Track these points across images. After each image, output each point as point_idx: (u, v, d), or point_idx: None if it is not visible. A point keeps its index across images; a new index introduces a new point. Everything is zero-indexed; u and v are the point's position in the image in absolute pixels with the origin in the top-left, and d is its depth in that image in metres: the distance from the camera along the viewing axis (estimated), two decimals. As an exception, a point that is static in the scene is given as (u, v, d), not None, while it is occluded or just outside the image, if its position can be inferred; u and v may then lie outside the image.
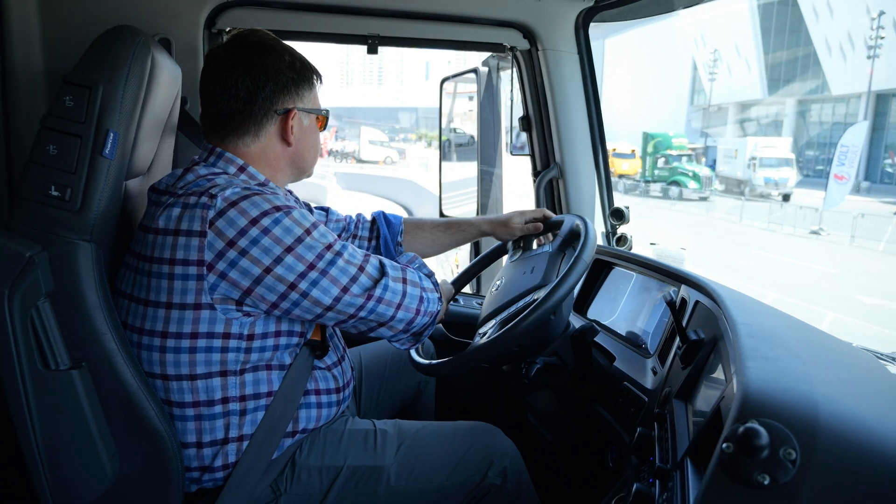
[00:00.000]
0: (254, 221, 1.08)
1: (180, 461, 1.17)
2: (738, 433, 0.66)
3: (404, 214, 1.71)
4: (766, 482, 0.64)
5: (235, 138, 1.24)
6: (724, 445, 0.68)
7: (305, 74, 1.28)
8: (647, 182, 28.04)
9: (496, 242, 1.73)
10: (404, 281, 1.23)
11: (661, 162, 27.90)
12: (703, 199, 24.72)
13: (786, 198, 23.33)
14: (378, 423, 1.36)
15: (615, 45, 37.84)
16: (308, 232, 1.12)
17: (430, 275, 1.34)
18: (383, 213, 1.70)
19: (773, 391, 0.74)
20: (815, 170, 31.91)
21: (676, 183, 25.97)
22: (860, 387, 0.89)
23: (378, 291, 1.18)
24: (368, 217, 1.70)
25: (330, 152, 42.90)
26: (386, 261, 1.23)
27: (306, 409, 1.26)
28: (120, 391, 1.11)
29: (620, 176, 29.83)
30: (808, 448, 0.66)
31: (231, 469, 1.19)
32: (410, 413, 1.77)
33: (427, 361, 1.39)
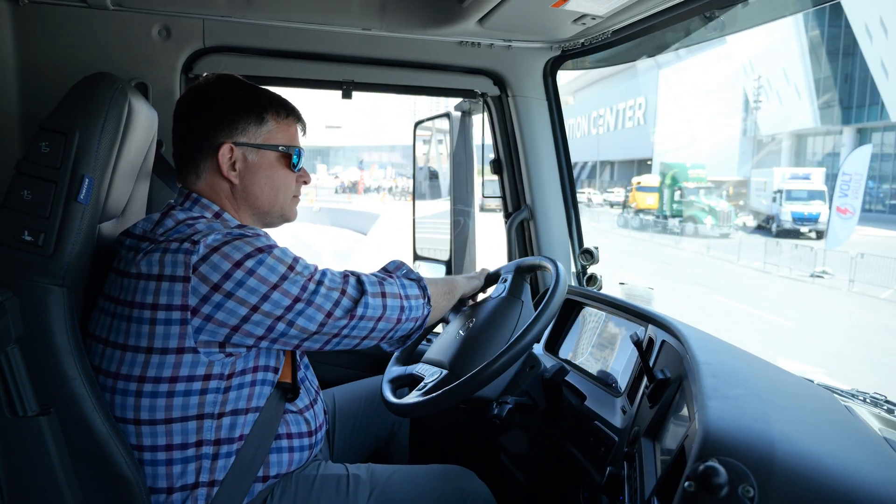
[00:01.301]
0: (238, 264, 1.10)
1: None
2: (698, 472, 0.69)
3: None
4: None
5: (184, 177, 1.28)
6: (687, 484, 0.70)
7: (253, 109, 1.26)
8: (665, 217, 26.10)
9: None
10: (383, 295, 1.27)
11: (677, 195, 25.96)
12: (724, 236, 22.58)
13: (819, 235, 20.79)
14: (351, 468, 1.35)
15: (670, 75, 36.70)
16: (291, 268, 1.16)
17: (418, 279, 1.38)
18: None
19: (733, 430, 0.77)
20: (886, 204, 28.66)
21: (693, 219, 24.26)
22: (817, 424, 0.93)
23: (360, 310, 1.22)
24: None
25: (366, 190, 42.92)
26: (364, 276, 1.28)
27: (277, 454, 1.25)
28: (89, 437, 1.09)
29: (639, 211, 27.90)
30: (765, 485, 0.68)
31: None
32: (385, 454, 1.76)
33: (400, 402, 1.40)
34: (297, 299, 1.15)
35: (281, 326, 1.15)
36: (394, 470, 1.38)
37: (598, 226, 27.81)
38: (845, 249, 14.37)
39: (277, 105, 1.30)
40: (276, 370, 1.25)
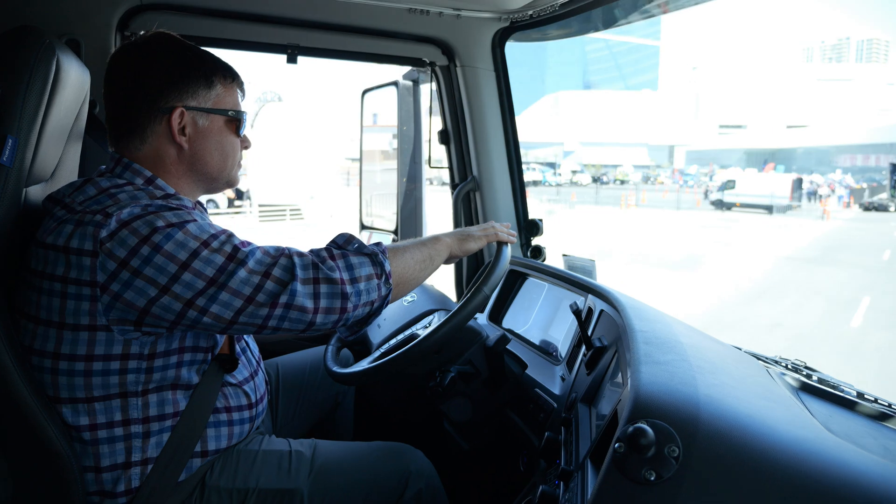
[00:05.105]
0: (145, 239, 1.02)
1: (81, 485, 1.11)
2: (627, 433, 0.72)
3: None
4: (652, 478, 0.70)
5: (126, 142, 1.19)
6: (617, 445, 0.73)
7: (202, 72, 1.21)
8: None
9: None
10: (316, 281, 1.10)
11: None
12: None
13: None
14: (294, 444, 1.33)
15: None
16: (206, 244, 1.05)
17: (372, 254, 1.18)
18: None
19: (661, 393, 0.80)
20: None
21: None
22: (740, 388, 0.98)
23: (285, 298, 1.07)
24: None
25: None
26: (300, 260, 1.11)
27: (216, 428, 1.21)
28: (15, 411, 1.05)
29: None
30: (689, 445, 0.72)
31: (134, 494, 1.13)
32: (329, 424, 1.76)
33: (344, 371, 1.40)
34: (211, 281, 1.03)
35: (192, 314, 1.04)
36: (338, 446, 1.36)
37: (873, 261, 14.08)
38: None
39: (224, 69, 1.25)
40: (207, 350, 1.18)
